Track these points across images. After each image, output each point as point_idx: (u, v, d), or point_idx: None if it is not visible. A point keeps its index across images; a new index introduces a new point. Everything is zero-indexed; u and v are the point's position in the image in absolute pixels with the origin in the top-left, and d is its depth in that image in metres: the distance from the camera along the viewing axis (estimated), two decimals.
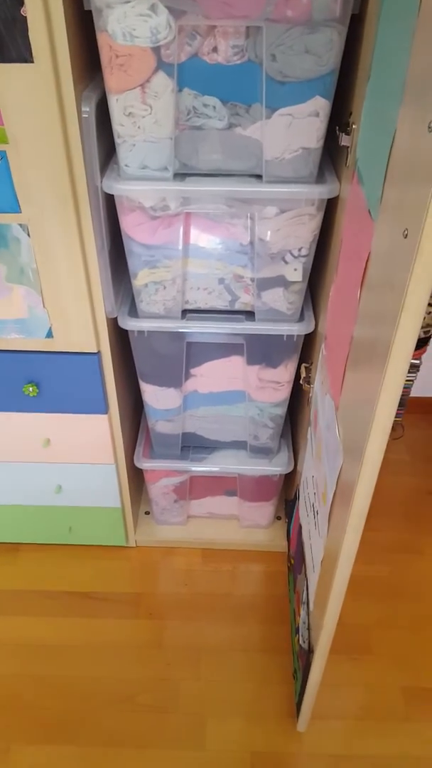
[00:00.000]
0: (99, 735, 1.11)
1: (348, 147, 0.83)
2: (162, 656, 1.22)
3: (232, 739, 1.10)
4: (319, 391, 0.96)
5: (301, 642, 1.05)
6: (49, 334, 1.01)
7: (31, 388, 1.06)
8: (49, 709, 1.14)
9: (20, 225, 0.88)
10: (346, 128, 0.82)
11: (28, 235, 0.89)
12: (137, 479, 1.40)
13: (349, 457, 0.74)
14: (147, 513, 1.45)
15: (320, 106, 0.80)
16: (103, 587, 1.34)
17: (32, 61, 0.73)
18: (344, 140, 0.83)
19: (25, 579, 1.35)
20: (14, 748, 1.09)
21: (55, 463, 1.21)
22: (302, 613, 1.06)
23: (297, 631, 1.12)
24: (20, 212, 0.87)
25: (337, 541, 0.79)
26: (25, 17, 0.70)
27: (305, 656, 1.00)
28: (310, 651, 0.97)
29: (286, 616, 1.29)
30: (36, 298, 0.97)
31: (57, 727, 1.12)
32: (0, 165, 0.83)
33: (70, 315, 0.99)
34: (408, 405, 1.62)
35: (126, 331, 1.04)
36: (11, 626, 1.27)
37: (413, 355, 0.71)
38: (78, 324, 1.00)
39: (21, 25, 0.71)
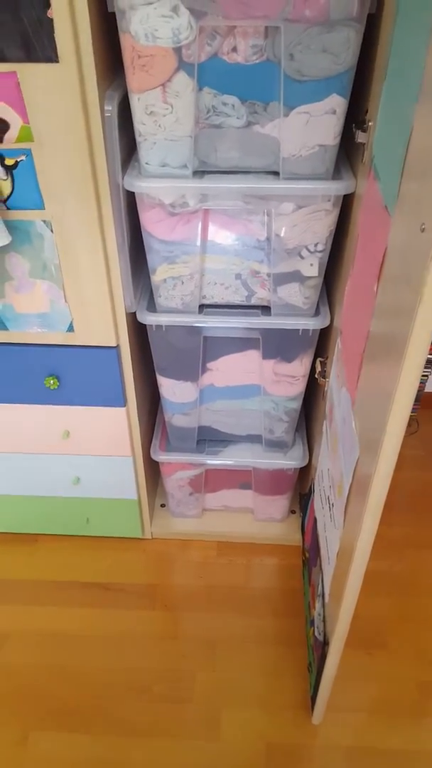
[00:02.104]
0: (115, 724, 1.13)
1: (364, 144, 0.84)
2: (177, 647, 1.24)
3: (247, 730, 1.12)
4: (334, 385, 0.97)
5: (316, 634, 1.06)
6: (70, 328, 1.04)
7: (52, 381, 1.09)
8: (65, 698, 1.16)
9: (44, 221, 0.91)
10: (362, 125, 0.84)
11: (51, 231, 0.91)
12: (153, 472, 1.42)
13: (366, 451, 0.75)
14: (162, 505, 1.47)
15: (337, 103, 0.81)
16: (120, 578, 1.36)
17: (58, 61, 0.76)
18: (360, 137, 0.84)
19: (43, 569, 1.38)
20: (32, 735, 1.11)
21: (73, 455, 1.24)
22: (317, 605, 1.07)
23: (312, 623, 1.13)
24: (44, 209, 0.89)
25: (352, 534, 0.80)
26: (52, 19, 0.73)
27: (320, 648, 1.02)
28: (325, 643, 0.98)
29: (301, 610, 1.30)
30: (58, 292, 0.99)
31: (73, 716, 1.14)
32: (25, 163, 0.85)
33: (91, 309, 1.01)
34: (422, 401, 1.63)
35: (144, 325, 1.06)
36: (29, 616, 1.29)
37: (429, 350, 0.72)
38: (98, 318, 1.02)
39: (47, 26, 0.73)
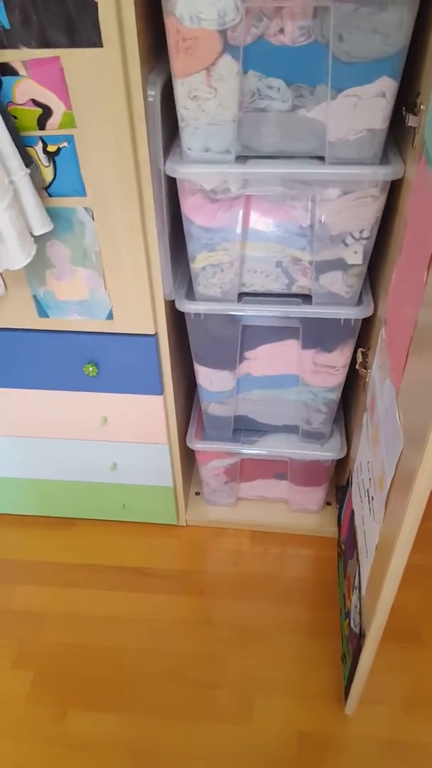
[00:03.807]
0: (149, 705, 1.14)
1: (415, 128, 0.81)
2: (211, 633, 1.25)
3: (279, 718, 1.12)
4: (377, 376, 0.96)
5: (352, 626, 1.06)
6: (110, 316, 1.04)
7: (91, 368, 1.10)
8: (101, 679, 1.19)
9: (85, 209, 0.91)
10: (413, 108, 0.81)
11: (93, 218, 0.91)
12: (189, 460, 1.43)
13: (410, 443, 0.73)
14: (197, 494, 1.48)
15: (387, 86, 0.78)
16: (155, 564, 1.38)
17: (101, 45, 0.75)
18: (411, 121, 0.81)
19: (80, 553, 1.40)
20: (70, 713, 1.14)
21: (111, 442, 1.25)
22: (353, 597, 1.06)
23: (347, 615, 1.12)
24: (85, 196, 0.89)
25: (393, 528, 0.79)
26: (96, 2, 0.72)
27: (356, 640, 1.01)
28: (361, 635, 0.97)
29: (335, 601, 1.29)
30: (98, 280, 0.99)
31: (109, 696, 1.16)
32: (67, 149, 0.85)
33: (130, 297, 1.01)
34: None
35: (182, 313, 1.06)
36: (67, 598, 1.32)
37: None
38: (137, 306, 1.02)
39: (92, 9, 0.72)
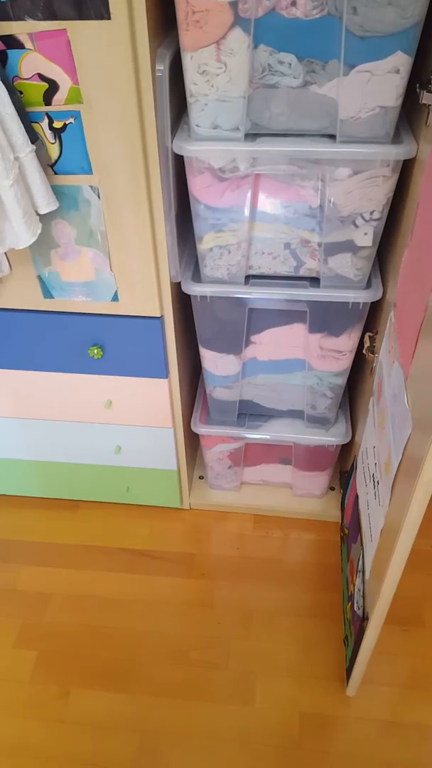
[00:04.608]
0: (152, 685, 1.15)
1: (429, 105, 0.79)
2: (213, 615, 1.26)
3: (281, 698, 1.13)
4: (385, 360, 0.95)
5: (355, 608, 1.06)
6: (115, 298, 1.03)
7: (96, 351, 1.09)
8: (105, 659, 1.20)
9: (91, 187, 0.89)
10: (427, 85, 0.79)
11: (99, 197, 0.90)
12: (193, 444, 1.43)
13: (418, 428, 0.73)
14: (201, 477, 1.48)
15: (401, 62, 0.76)
16: (158, 546, 1.38)
17: (109, 18, 0.73)
18: (426, 98, 0.79)
19: (84, 535, 1.41)
20: (74, 691, 1.15)
21: (115, 425, 1.25)
22: (357, 581, 1.06)
23: (350, 598, 1.13)
24: (92, 174, 0.88)
25: (399, 512, 0.79)
26: None
27: (359, 622, 1.01)
28: (364, 618, 0.97)
29: (337, 585, 1.30)
30: (103, 261, 0.98)
31: (112, 676, 1.17)
32: (74, 126, 0.83)
33: (136, 278, 1.00)
34: None
35: (188, 296, 1.04)
36: (71, 579, 1.33)
37: None
38: (143, 288, 1.01)
39: None
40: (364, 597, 1.00)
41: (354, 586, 1.09)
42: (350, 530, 1.19)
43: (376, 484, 0.95)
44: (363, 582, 1.01)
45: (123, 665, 1.19)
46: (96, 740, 1.09)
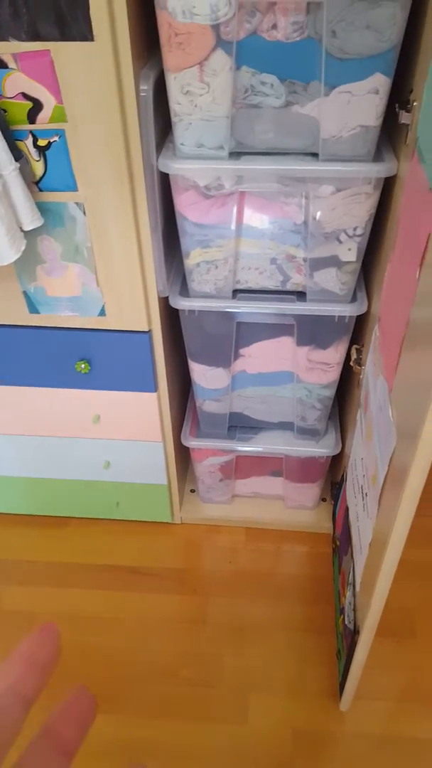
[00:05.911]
0: (143, 705, 1.14)
1: (408, 125, 0.81)
2: (205, 632, 1.25)
3: (274, 715, 1.12)
4: (370, 373, 0.95)
5: (346, 622, 1.06)
6: (102, 312, 1.03)
7: (83, 365, 1.09)
8: (94, 679, 1.18)
9: (76, 203, 0.90)
10: (406, 105, 0.80)
11: (84, 213, 0.91)
12: (183, 457, 1.42)
13: (403, 440, 0.73)
14: (192, 491, 1.47)
15: (380, 83, 0.78)
16: (149, 562, 1.37)
17: (92, 39, 0.74)
18: (404, 118, 0.81)
19: (73, 552, 1.40)
20: None
21: (104, 440, 1.24)
22: (348, 594, 1.06)
23: (342, 611, 1.12)
24: (77, 191, 0.88)
25: (386, 524, 0.79)
26: None
27: (350, 636, 1.01)
28: (355, 631, 0.97)
29: (330, 597, 1.29)
30: (90, 276, 0.98)
31: (102, 696, 1.15)
32: (58, 144, 0.84)
33: (123, 293, 1.00)
34: None
35: (176, 310, 1.05)
36: (60, 597, 1.31)
37: None
38: (130, 302, 1.01)
39: (83, 3, 0.71)
40: (355, 610, 1.00)
41: (345, 599, 1.09)
42: (341, 542, 1.19)
43: (364, 496, 0.95)
44: (354, 595, 1.01)
45: (113, 685, 1.17)
46: (86, 762, 1.07)
